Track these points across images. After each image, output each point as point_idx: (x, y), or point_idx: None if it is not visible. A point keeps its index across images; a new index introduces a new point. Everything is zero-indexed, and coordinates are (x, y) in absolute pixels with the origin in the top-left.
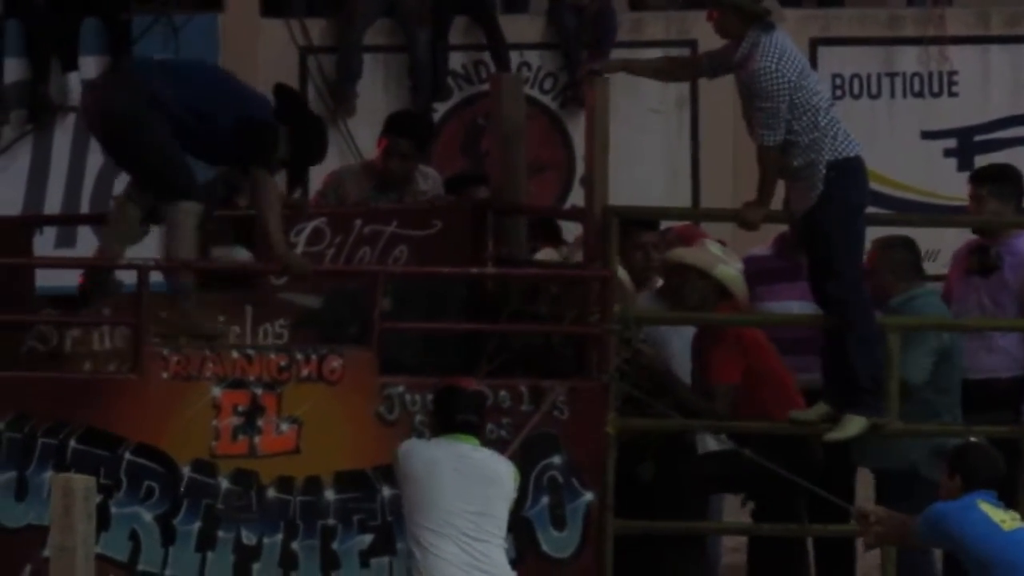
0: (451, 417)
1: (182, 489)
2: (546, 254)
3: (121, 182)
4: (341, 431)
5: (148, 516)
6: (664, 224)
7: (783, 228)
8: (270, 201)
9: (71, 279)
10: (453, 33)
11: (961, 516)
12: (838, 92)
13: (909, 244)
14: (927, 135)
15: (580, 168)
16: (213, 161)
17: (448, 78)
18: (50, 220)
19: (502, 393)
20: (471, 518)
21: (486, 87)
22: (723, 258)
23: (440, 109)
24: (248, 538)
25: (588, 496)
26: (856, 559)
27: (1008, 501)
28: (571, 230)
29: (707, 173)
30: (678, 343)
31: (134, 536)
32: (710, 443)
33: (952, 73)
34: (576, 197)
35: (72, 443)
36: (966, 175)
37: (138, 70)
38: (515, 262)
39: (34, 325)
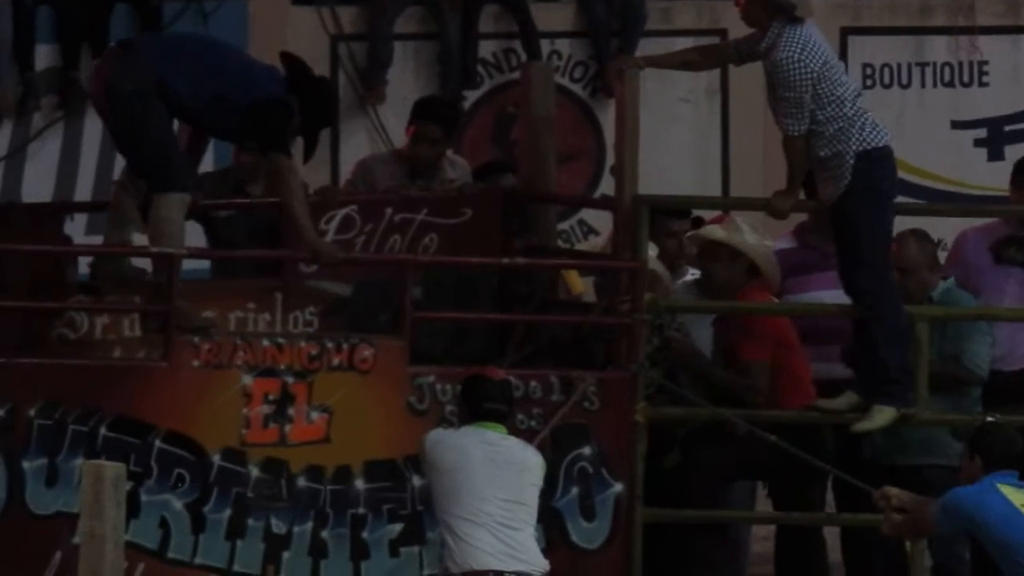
0: (479, 405)
1: (212, 477)
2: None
3: None
4: (371, 420)
5: (178, 504)
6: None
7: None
8: (294, 189)
9: None
10: (484, 21)
11: (979, 499)
12: (868, 82)
13: (929, 236)
14: (957, 125)
15: (610, 157)
16: (228, 138)
17: (478, 66)
18: (80, 207)
19: (532, 383)
20: (504, 505)
21: (516, 75)
22: (756, 238)
23: (470, 97)
24: (278, 527)
25: (617, 487)
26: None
27: None
28: (601, 219)
29: (737, 162)
30: (698, 325)
31: (164, 524)
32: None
33: (983, 63)
34: (606, 186)
35: (102, 430)
36: (996, 165)
37: (147, 50)
38: (545, 251)
39: (64, 312)
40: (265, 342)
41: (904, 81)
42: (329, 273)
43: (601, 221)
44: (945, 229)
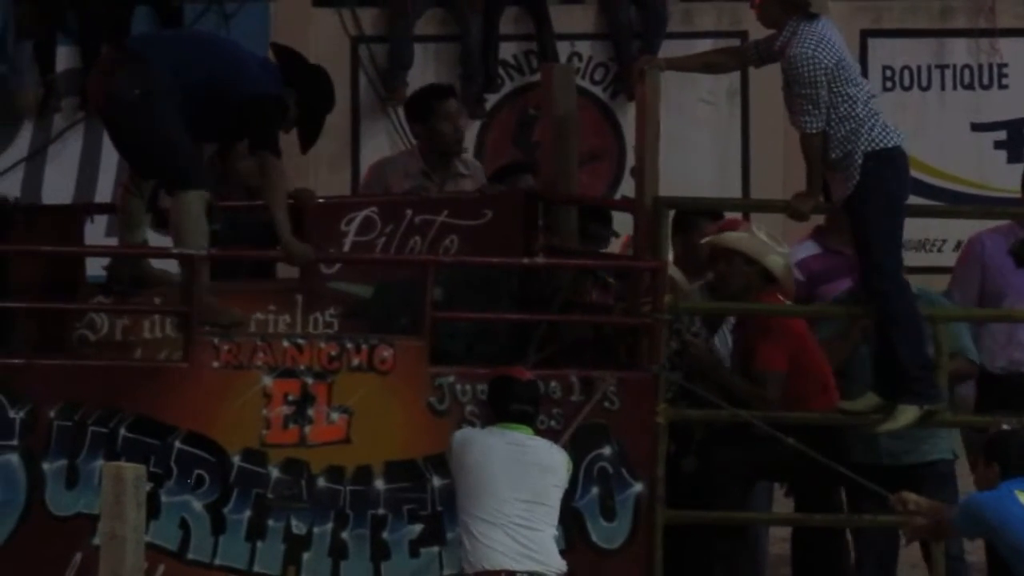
0: (505, 406)
1: (232, 478)
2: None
3: None
4: (392, 421)
5: (198, 505)
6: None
7: None
8: (277, 188)
9: None
10: (505, 23)
11: (997, 505)
12: (888, 84)
13: None
14: (977, 127)
15: (631, 158)
16: (217, 138)
17: (499, 68)
18: (101, 208)
19: (553, 383)
20: (523, 506)
21: (538, 77)
22: (772, 245)
23: (492, 99)
24: (298, 527)
25: (638, 487)
26: (899, 549)
27: None
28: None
29: (757, 164)
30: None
31: (184, 525)
32: None
33: (1002, 65)
34: (627, 187)
35: (123, 431)
36: (1016, 167)
37: (143, 52)
38: (566, 252)
39: (85, 313)
40: (285, 343)
41: (924, 83)
42: (350, 274)
43: (621, 223)
44: (965, 231)
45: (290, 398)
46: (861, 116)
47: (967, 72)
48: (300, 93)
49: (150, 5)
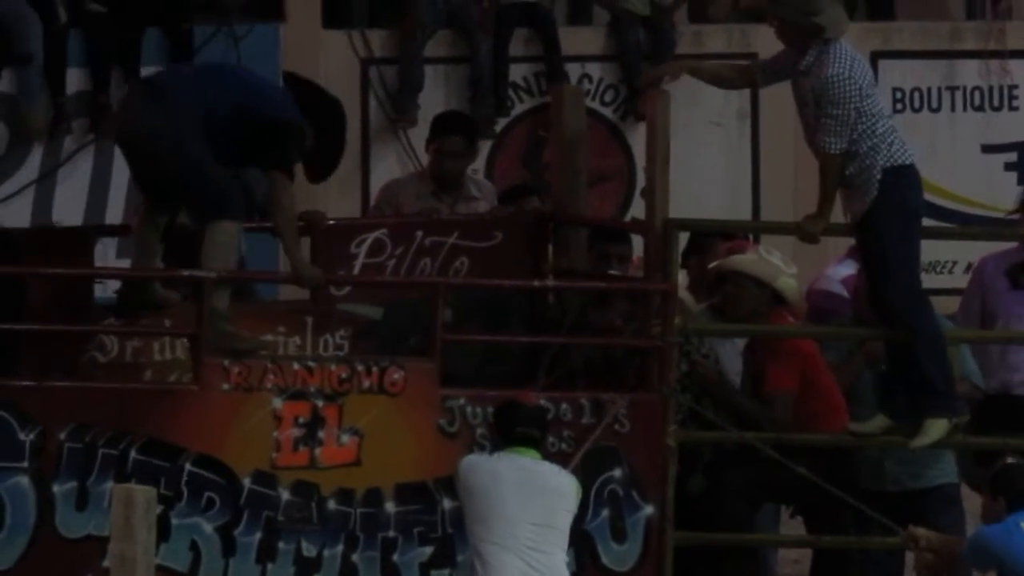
0: (512, 431)
1: (242, 500)
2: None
3: None
4: (402, 443)
5: (208, 527)
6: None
7: (844, 241)
8: (287, 210)
9: None
10: (515, 45)
11: (1004, 538)
12: (898, 105)
13: None
14: (988, 148)
15: (641, 179)
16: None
17: (509, 90)
18: (111, 230)
19: (563, 405)
20: (533, 530)
21: (548, 99)
22: (781, 267)
23: (502, 121)
24: (308, 550)
25: (648, 509)
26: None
27: None
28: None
29: (767, 185)
30: (727, 352)
31: (194, 547)
32: None
33: (1013, 87)
34: (637, 209)
35: (133, 453)
36: None
37: (169, 87)
38: (575, 274)
39: (94, 335)
40: (295, 365)
41: (935, 105)
42: (361, 296)
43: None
44: (976, 252)
45: (300, 420)
46: (881, 133)
47: (977, 94)
48: (317, 125)
49: (159, 28)
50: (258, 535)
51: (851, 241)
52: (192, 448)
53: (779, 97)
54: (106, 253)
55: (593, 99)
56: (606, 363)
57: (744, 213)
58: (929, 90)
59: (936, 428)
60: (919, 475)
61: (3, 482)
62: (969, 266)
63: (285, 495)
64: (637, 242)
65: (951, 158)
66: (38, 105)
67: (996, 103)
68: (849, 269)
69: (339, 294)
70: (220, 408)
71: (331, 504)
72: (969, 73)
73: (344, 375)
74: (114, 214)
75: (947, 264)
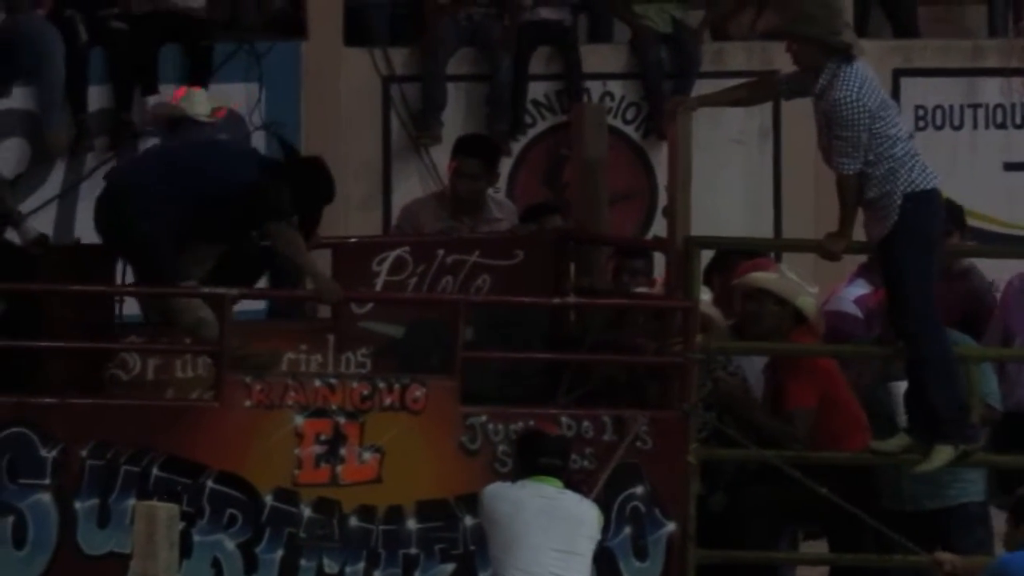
0: (534, 460)
1: (264, 517)
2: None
3: None
4: (423, 460)
5: (230, 544)
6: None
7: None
8: (294, 244)
9: None
10: (536, 63)
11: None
12: (920, 123)
13: None
14: (1009, 167)
15: (662, 197)
16: (222, 239)
17: (530, 107)
18: None
19: (585, 423)
20: (557, 556)
21: (569, 117)
22: (802, 285)
23: (521, 139)
24: (330, 567)
25: (670, 526)
26: None
27: None
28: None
29: (789, 203)
30: (748, 370)
31: (216, 564)
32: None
33: None
34: (658, 227)
35: (154, 470)
36: None
37: (129, 184)
38: (596, 292)
39: (117, 352)
40: (317, 382)
41: (956, 123)
42: (382, 314)
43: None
44: (997, 270)
45: (322, 438)
46: (899, 156)
47: (999, 111)
48: (296, 187)
49: (180, 45)
50: (280, 552)
51: (863, 259)
52: (214, 465)
53: (801, 115)
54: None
55: (615, 117)
56: (629, 381)
57: (765, 231)
58: (951, 108)
59: (940, 455)
60: (937, 494)
61: (25, 499)
62: (992, 283)
63: (307, 512)
64: (658, 261)
65: (972, 176)
66: (60, 122)
67: (1018, 121)
68: (861, 288)
69: (361, 312)
70: (242, 425)
71: (353, 521)
72: (991, 91)
73: (366, 392)
74: None
75: None
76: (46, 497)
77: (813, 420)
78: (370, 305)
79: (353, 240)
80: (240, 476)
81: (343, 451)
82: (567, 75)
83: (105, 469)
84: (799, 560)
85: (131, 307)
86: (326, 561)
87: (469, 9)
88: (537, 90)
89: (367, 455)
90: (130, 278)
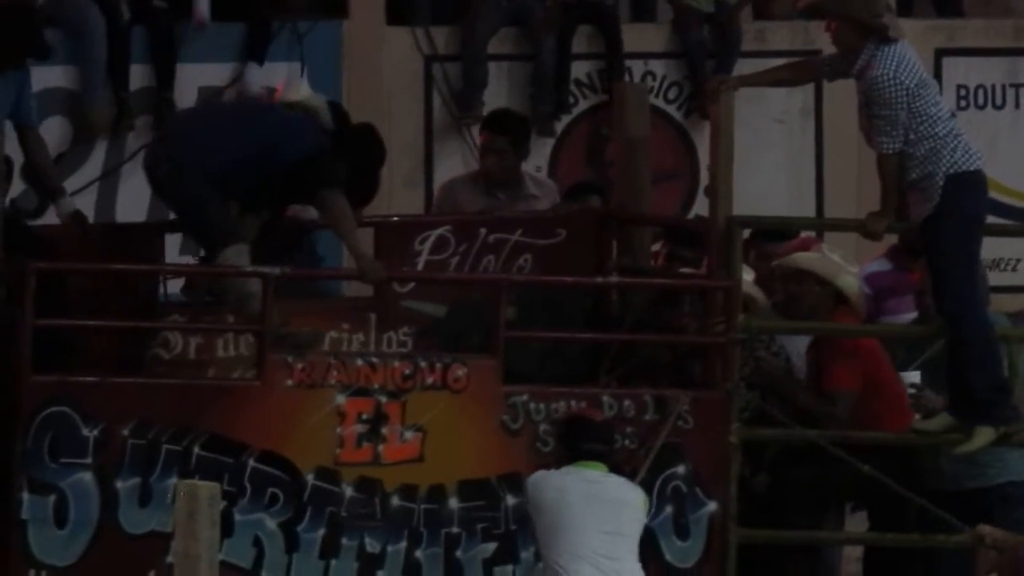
0: (579, 447)
1: (306, 496)
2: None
3: None
4: (465, 440)
5: (272, 523)
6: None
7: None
8: (342, 219)
9: None
10: (579, 42)
11: None
12: (962, 103)
13: None
14: None
15: (704, 177)
16: (280, 202)
17: (573, 87)
18: (174, 226)
19: (626, 402)
20: (605, 538)
21: (611, 96)
22: (844, 266)
23: (564, 119)
24: (372, 546)
25: (711, 506)
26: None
27: None
28: None
29: (831, 183)
30: (791, 350)
31: (258, 543)
32: None
33: None
34: (700, 206)
35: (196, 449)
36: None
37: (177, 132)
38: (638, 272)
39: (159, 332)
40: (359, 361)
41: (998, 102)
42: (424, 293)
43: None
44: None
45: (363, 417)
46: (941, 136)
47: None
48: (351, 156)
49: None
50: (321, 531)
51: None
52: (255, 444)
53: (843, 94)
54: (170, 250)
55: (657, 96)
56: (671, 361)
57: (807, 210)
58: (993, 87)
59: (981, 436)
60: (977, 474)
61: (66, 478)
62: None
63: (348, 491)
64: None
65: (1014, 155)
66: (101, 101)
67: None
68: (878, 266)
69: (403, 291)
70: (283, 404)
71: (394, 500)
72: None
73: (407, 372)
74: None
75: (1010, 261)
76: (87, 476)
77: (854, 401)
78: (412, 284)
79: (395, 219)
80: (282, 455)
81: (385, 430)
82: (609, 54)
83: (146, 448)
84: (842, 541)
85: (174, 287)
86: (367, 540)
87: None
88: (579, 69)
89: (409, 434)
90: (173, 257)
